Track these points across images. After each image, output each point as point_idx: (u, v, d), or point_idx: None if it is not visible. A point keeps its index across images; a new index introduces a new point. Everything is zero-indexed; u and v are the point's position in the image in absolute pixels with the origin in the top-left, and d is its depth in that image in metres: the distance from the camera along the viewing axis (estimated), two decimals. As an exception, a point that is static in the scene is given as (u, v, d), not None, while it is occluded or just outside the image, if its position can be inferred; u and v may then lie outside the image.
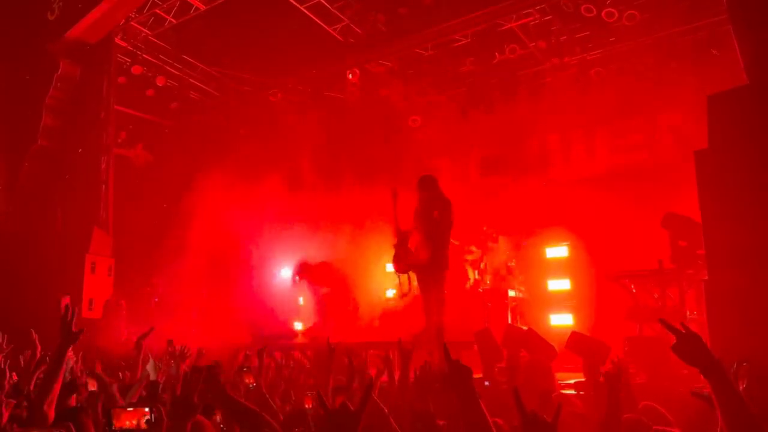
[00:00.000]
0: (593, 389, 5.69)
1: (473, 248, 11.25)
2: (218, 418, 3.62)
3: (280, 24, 11.55)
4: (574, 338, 6.82)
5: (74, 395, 3.83)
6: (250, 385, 4.54)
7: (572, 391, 6.29)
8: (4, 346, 4.77)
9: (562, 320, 11.03)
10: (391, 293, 11.86)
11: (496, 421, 3.48)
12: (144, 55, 12.68)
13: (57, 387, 3.27)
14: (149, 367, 5.08)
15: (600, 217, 11.01)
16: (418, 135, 13.91)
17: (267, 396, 4.31)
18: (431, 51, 12.39)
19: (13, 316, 9.50)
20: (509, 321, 9.91)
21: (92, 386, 4.36)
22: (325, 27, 11.71)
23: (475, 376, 7.39)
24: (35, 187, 11.55)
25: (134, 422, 2.58)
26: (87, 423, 3.11)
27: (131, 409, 2.61)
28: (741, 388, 3.40)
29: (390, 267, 10.38)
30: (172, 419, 2.51)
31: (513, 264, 11.16)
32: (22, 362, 4.71)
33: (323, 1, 11.22)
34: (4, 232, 11.21)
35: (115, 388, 4.33)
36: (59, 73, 11.62)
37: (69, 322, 3.24)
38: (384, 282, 13.30)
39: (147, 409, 2.60)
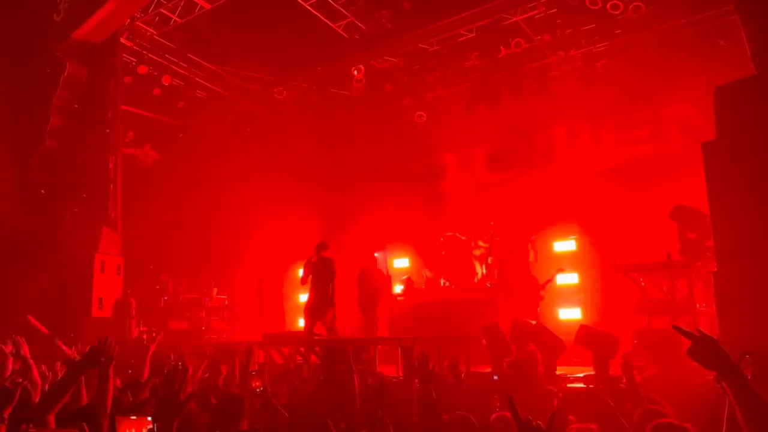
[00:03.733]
0: (603, 382, 5.69)
1: (481, 243, 11.26)
2: None
3: (285, 22, 11.55)
4: (583, 332, 6.82)
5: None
6: (258, 389, 4.53)
7: (581, 385, 6.30)
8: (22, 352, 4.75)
9: (570, 314, 11.04)
10: (398, 289, 11.89)
11: (504, 415, 3.51)
12: (150, 55, 12.70)
13: (63, 400, 3.25)
14: None
15: (608, 210, 10.99)
16: (424, 130, 13.90)
17: (272, 401, 4.33)
18: (436, 46, 12.35)
19: (23, 317, 9.59)
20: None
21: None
22: (330, 24, 11.70)
23: (484, 370, 7.43)
24: (44, 187, 11.62)
25: (134, 430, 2.58)
26: (102, 419, 3.12)
27: (134, 417, 2.58)
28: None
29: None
30: (159, 419, 2.47)
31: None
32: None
33: (327, -2, 11.23)
34: (14, 233, 11.29)
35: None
36: (66, 73, 11.68)
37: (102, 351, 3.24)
38: (390, 278, 13.34)
39: (150, 419, 2.58)
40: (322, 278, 9.48)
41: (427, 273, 11.81)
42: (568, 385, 6.48)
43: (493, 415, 3.67)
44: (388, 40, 12.26)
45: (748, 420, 2.10)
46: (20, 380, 4.06)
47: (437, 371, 4.30)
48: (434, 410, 3.35)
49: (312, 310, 9.50)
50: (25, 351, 4.64)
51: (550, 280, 10.32)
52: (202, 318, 12.96)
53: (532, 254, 11.07)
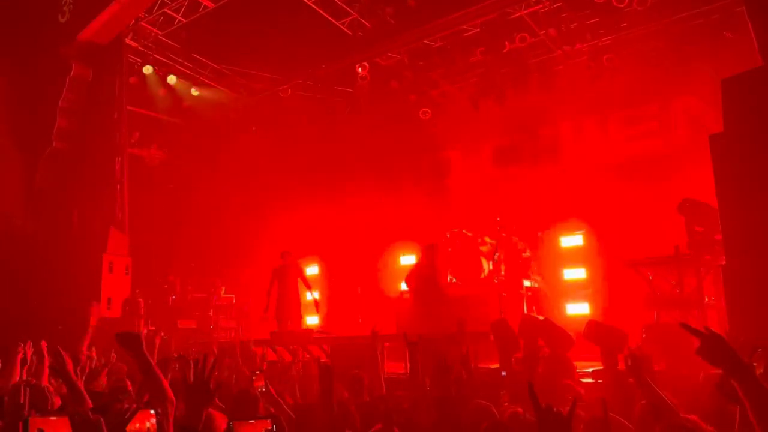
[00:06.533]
0: (611, 377, 5.67)
1: (487, 239, 11.23)
2: None
3: (288, 20, 11.55)
4: (591, 327, 6.78)
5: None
6: (260, 389, 4.52)
7: (590, 380, 6.28)
8: (29, 359, 4.71)
9: (578, 309, 11.00)
10: (404, 286, 11.86)
11: (516, 411, 3.49)
12: (155, 55, 12.74)
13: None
14: None
15: (615, 204, 10.95)
16: (429, 127, 13.88)
17: (278, 399, 4.33)
18: (440, 42, 12.32)
19: (32, 318, 9.66)
20: (525, 311, 9.89)
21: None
22: (334, 21, 11.69)
23: (492, 366, 7.41)
24: (51, 188, 11.68)
25: (138, 426, 2.62)
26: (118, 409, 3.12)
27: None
28: (758, 373, 3.36)
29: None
30: (188, 407, 2.52)
31: (528, 254, 11.12)
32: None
33: (331, -4, 11.23)
34: (22, 234, 11.36)
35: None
36: (71, 75, 11.73)
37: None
38: (397, 275, 13.34)
39: (152, 412, 2.63)
40: (289, 282, 11.06)
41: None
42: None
43: (508, 412, 3.66)
44: (392, 37, 12.23)
45: (759, 419, 2.08)
46: (34, 381, 4.08)
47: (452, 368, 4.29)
48: (452, 407, 3.33)
49: (285, 311, 10.96)
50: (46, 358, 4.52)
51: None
52: (210, 317, 13.01)
53: (527, 251, 11.09)
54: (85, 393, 3.51)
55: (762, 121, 5.60)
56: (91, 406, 3.18)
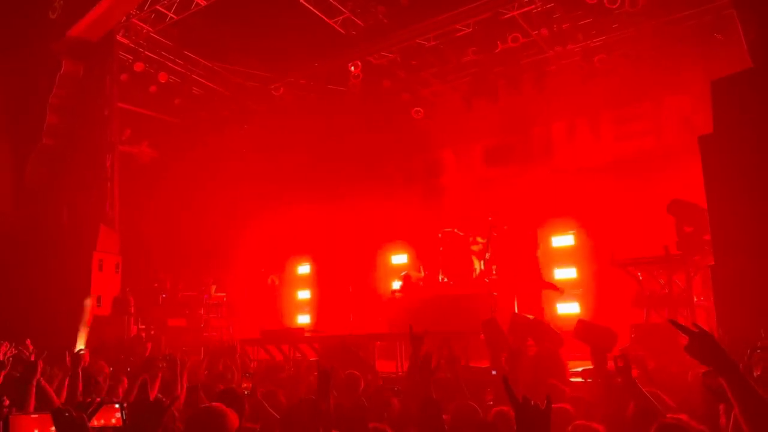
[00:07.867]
0: (601, 377, 5.68)
1: (479, 239, 11.25)
2: None
3: (281, 18, 11.52)
4: (581, 326, 6.81)
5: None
6: (246, 391, 4.51)
7: (580, 379, 6.30)
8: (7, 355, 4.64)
9: (568, 308, 11.05)
10: (396, 285, 11.88)
11: (502, 410, 3.51)
12: (146, 52, 12.66)
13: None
14: None
15: (606, 204, 11.00)
16: (422, 126, 13.89)
17: (263, 402, 4.33)
18: (433, 41, 12.32)
19: (22, 316, 9.60)
20: (516, 310, 9.92)
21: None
22: (326, 20, 11.67)
23: (483, 365, 7.43)
24: (41, 185, 11.60)
25: (103, 420, 2.61)
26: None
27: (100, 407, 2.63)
28: (756, 374, 3.38)
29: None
30: (187, 406, 2.55)
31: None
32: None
33: (324, -6, 11.19)
34: (12, 232, 11.27)
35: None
36: (62, 71, 11.63)
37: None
38: (389, 275, 13.36)
39: (117, 406, 2.63)
40: None
41: (420, 272, 11.85)
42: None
43: (493, 410, 3.66)
44: (385, 36, 12.23)
45: (746, 417, 2.09)
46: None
47: (438, 367, 4.30)
48: (435, 409, 3.34)
49: None
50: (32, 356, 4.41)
51: (552, 287, 10.51)
52: (201, 315, 12.95)
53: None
54: (53, 393, 3.53)
55: (751, 123, 5.65)
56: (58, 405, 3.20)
